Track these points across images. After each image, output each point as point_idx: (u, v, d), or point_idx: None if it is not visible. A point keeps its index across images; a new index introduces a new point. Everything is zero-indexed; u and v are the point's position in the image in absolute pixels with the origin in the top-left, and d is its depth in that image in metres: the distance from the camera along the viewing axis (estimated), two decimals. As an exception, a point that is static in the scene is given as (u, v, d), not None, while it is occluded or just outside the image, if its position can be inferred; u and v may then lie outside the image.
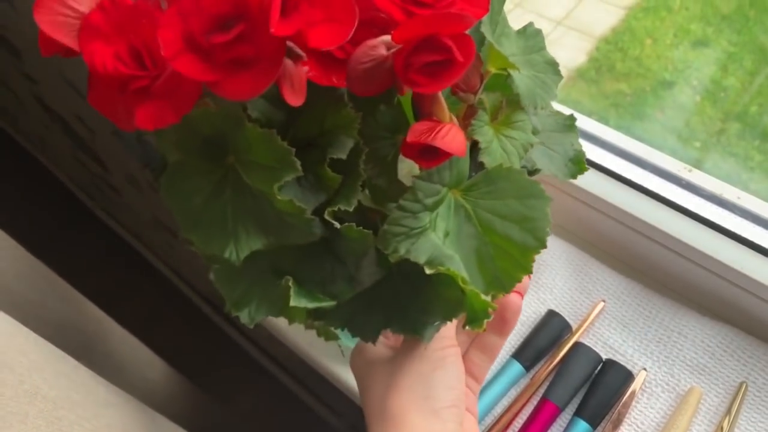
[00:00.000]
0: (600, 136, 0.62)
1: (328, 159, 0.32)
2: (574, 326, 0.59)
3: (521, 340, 0.59)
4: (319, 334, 0.38)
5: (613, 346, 0.57)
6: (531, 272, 0.33)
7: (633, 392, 0.54)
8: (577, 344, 0.57)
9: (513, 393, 0.57)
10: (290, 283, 0.32)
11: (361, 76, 0.29)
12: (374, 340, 0.33)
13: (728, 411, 0.52)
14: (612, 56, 1.20)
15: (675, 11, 1.20)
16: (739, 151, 0.98)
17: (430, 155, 0.31)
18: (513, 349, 0.58)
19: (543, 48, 0.45)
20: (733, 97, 1.05)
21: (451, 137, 0.30)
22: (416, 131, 0.31)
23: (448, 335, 0.38)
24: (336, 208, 0.31)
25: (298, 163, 0.30)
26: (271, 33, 0.25)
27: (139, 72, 0.28)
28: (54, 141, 1.27)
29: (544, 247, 0.33)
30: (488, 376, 0.56)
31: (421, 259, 0.30)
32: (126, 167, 0.90)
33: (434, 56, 0.28)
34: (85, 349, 0.43)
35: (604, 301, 0.60)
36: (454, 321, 0.39)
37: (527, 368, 0.57)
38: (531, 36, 0.44)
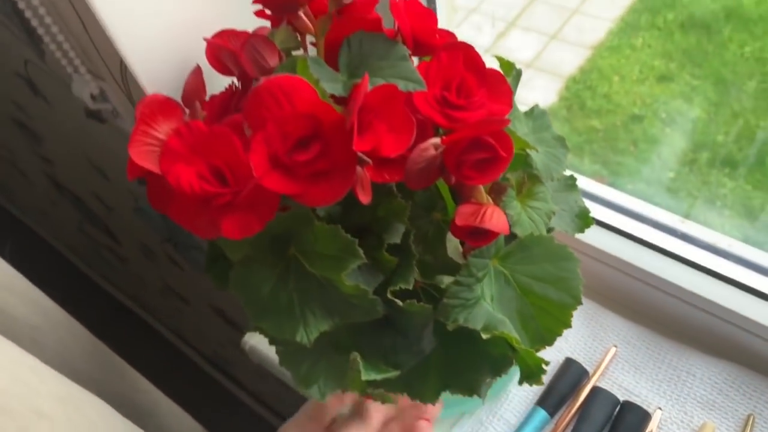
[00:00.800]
0: (599, 194, 0.68)
1: (385, 244, 0.36)
2: (590, 372, 0.63)
3: (543, 387, 0.62)
4: (374, 400, 0.42)
5: (628, 388, 0.61)
6: (570, 326, 0.37)
7: (651, 431, 0.58)
8: (595, 388, 0.61)
9: (539, 439, 0.60)
10: (358, 359, 0.35)
11: (417, 175, 0.34)
12: (434, 402, 0.37)
13: (740, 443, 0.56)
14: (582, 94, 1.23)
15: (638, 49, 1.23)
16: (711, 179, 1.02)
17: (479, 236, 0.35)
18: (536, 397, 0.62)
19: (550, 126, 0.50)
20: (700, 127, 1.08)
21: (496, 219, 0.34)
22: (464, 215, 0.35)
23: None
24: (397, 287, 0.35)
25: (361, 252, 0.34)
26: (353, 150, 0.29)
27: (223, 189, 0.32)
28: (58, 214, 1.30)
29: (580, 303, 0.37)
30: (516, 424, 0.60)
31: (478, 326, 0.34)
32: (142, 240, 0.93)
33: (482, 154, 0.33)
34: (141, 422, 0.46)
35: (615, 346, 0.64)
36: None
37: (551, 414, 0.61)
38: (538, 116, 0.50)
